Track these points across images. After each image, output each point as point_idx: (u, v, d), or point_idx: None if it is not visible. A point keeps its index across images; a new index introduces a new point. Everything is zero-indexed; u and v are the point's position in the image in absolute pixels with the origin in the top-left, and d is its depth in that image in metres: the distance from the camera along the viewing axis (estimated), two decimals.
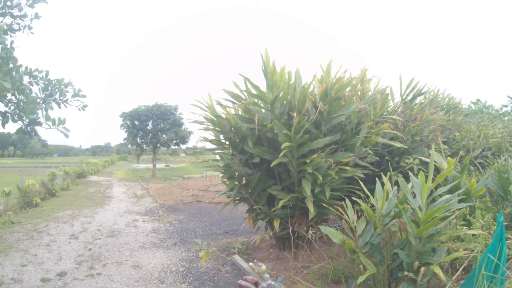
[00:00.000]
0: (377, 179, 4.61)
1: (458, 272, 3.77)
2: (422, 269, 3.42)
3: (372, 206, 4.48)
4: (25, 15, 5.75)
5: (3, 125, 4.73)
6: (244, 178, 6.63)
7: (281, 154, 5.41)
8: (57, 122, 4.56)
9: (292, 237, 6.01)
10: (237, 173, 6.62)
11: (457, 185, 4.41)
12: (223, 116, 6.45)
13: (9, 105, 4.66)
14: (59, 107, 5.28)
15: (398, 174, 5.92)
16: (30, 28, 5.88)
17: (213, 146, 6.94)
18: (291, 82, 6.17)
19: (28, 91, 4.87)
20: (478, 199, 4.49)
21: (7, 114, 4.68)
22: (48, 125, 4.60)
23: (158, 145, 30.49)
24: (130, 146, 34.14)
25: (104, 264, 6.57)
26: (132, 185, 23.77)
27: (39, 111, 4.66)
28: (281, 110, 6.01)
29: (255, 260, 6.02)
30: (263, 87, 6.01)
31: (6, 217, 10.09)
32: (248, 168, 6.44)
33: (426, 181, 3.70)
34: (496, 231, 3.20)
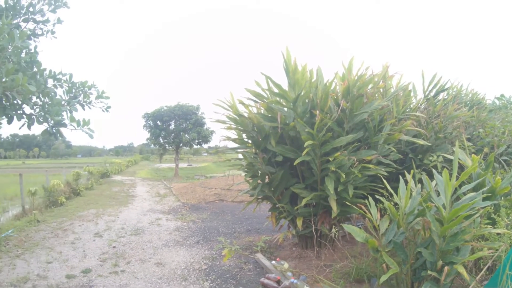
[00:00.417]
0: (400, 177, 4.57)
1: (482, 272, 3.72)
2: (446, 268, 3.39)
3: (396, 204, 4.46)
4: (47, 20, 5.89)
5: (29, 127, 4.85)
6: (267, 177, 6.66)
7: (304, 152, 5.42)
8: (81, 123, 4.66)
9: (315, 235, 6.02)
10: (260, 172, 6.65)
11: (481, 183, 4.35)
12: (246, 115, 6.49)
13: (35, 107, 4.77)
14: (83, 109, 5.38)
15: (421, 172, 5.85)
16: (53, 32, 6.03)
17: (236, 145, 6.99)
18: (312, 80, 6.16)
19: (52, 93, 4.98)
20: (503, 197, 4.43)
21: (33, 116, 4.79)
22: (73, 126, 4.70)
23: (181, 144, 30.76)
24: (152, 146, 34.50)
25: (128, 261, 6.70)
26: (155, 184, 24.07)
27: (64, 113, 4.77)
28: (303, 109, 6.01)
29: (277, 259, 6.04)
30: (284, 86, 6.04)
31: (32, 215, 10.34)
32: (271, 166, 6.46)
33: (450, 179, 3.66)
34: None
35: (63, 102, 5.03)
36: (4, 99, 4.55)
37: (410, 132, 6.52)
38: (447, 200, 3.64)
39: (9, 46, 4.17)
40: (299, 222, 5.95)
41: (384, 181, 4.94)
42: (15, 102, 4.65)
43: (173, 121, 30.58)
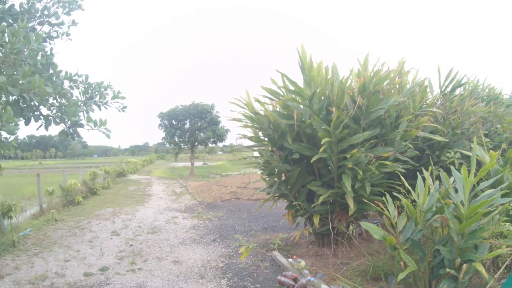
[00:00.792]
0: (418, 173, 4.54)
1: (500, 270, 3.68)
2: (464, 266, 3.36)
3: (413, 201, 4.43)
4: (62, 23, 5.97)
5: (46, 128, 4.95)
6: (283, 174, 6.67)
7: (321, 149, 5.42)
8: (98, 123, 4.72)
9: (331, 233, 6.01)
10: (276, 170, 6.65)
11: (499, 179, 4.29)
12: (262, 113, 6.50)
13: (51, 108, 4.86)
14: (100, 109, 5.46)
15: (439, 169, 5.81)
16: (68, 34, 6.12)
17: (252, 143, 7.02)
18: (328, 77, 6.15)
19: (69, 95, 5.06)
20: None
21: (50, 117, 4.89)
22: (90, 126, 4.77)
23: (196, 143, 30.93)
24: (168, 145, 34.71)
25: (145, 259, 6.78)
26: (171, 183, 24.28)
27: (80, 114, 4.85)
28: (320, 106, 6.00)
29: (294, 256, 6.06)
30: (300, 83, 6.03)
31: (50, 215, 10.53)
32: (288, 164, 6.46)
33: (468, 176, 3.63)
34: None
35: (79, 103, 5.11)
36: (21, 100, 4.65)
37: (427, 128, 6.46)
38: (465, 197, 3.61)
39: (25, 49, 4.25)
40: (316, 220, 5.95)
41: (402, 178, 4.91)
42: (32, 103, 4.75)
43: (188, 120, 30.79)
